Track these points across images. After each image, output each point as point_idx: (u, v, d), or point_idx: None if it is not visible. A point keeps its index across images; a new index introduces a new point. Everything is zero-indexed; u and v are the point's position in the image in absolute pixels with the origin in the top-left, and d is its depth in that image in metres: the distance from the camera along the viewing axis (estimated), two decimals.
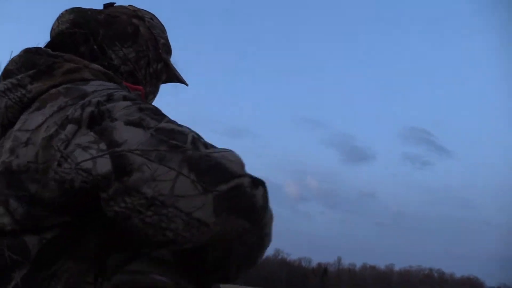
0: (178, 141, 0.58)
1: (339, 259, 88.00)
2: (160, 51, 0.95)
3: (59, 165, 0.60)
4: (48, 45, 0.84)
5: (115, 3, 0.97)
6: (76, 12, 0.87)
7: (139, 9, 0.98)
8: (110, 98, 0.65)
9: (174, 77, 1.04)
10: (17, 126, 0.68)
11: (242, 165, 0.61)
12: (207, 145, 0.62)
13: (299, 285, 73.41)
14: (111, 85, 0.71)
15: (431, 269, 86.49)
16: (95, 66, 0.75)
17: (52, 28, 0.89)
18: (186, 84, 1.08)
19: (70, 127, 0.61)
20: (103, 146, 0.58)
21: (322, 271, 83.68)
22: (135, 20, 0.93)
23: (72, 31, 0.84)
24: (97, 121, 0.61)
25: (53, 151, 0.61)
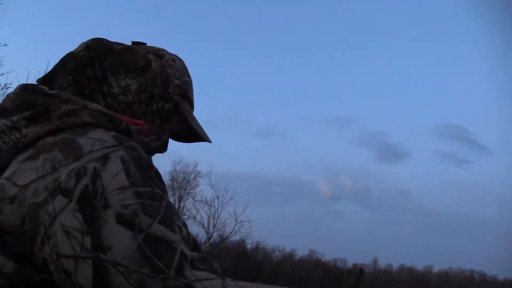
0: (163, 263, 0.56)
1: (375, 260, 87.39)
2: (170, 90, 0.90)
3: (42, 243, 0.59)
4: (55, 66, 0.84)
5: (145, 43, 0.95)
6: (93, 39, 0.87)
7: (164, 50, 0.94)
8: (106, 161, 0.61)
9: (188, 126, 0.94)
10: (6, 173, 0.65)
11: None
12: (195, 264, 0.60)
13: (334, 286, 73.77)
14: (109, 139, 0.65)
15: (472, 271, 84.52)
16: (94, 106, 0.71)
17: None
18: (207, 140, 0.99)
19: (59, 200, 0.59)
20: (87, 243, 0.56)
21: (357, 272, 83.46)
22: (151, 56, 0.90)
23: (82, 54, 0.83)
24: (89, 199, 0.58)
25: (38, 223, 0.59)
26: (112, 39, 0.92)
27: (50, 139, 0.66)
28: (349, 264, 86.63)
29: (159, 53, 0.92)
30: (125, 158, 0.63)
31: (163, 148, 0.95)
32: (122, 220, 0.57)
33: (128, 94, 0.85)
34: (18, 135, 0.68)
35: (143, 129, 0.82)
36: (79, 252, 0.57)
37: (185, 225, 0.64)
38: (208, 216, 18.85)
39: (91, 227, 0.57)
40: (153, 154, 0.92)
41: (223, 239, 18.96)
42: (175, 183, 42.84)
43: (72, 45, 0.88)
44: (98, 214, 0.58)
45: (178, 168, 43.21)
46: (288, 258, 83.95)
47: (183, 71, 0.96)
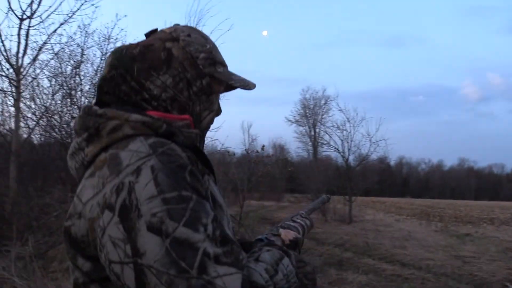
0: (186, 263, 0.64)
1: None
2: (201, 66, 0.94)
3: (100, 251, 0.73)
4: (97, 91, 0.92)
5: (156, 29, 0.99)
6: (113, 54, 0.92)
7: (176, 29, 0.97)
8: (139, 174, 0.71)
9: (230, 85, 1.01)
10: (77, 190, 0.82)
11: None
12: (219, 259, 0.66)
13: (491, 193, 69.20)
14: (144, 150, 0.74)
15: None
16: (135, 117, 0.81)
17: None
18: (251, 88, 1.03)
19: (106, 214, 0.71)
20: (128, 250, 0.67)
21: None
22: (168, 44, 0.93)
23: (111, 74, 0.89)
24: (127, 211, 0.69)
25: (95, 235, 0.73)
26: None
27: (102, 156, 0.79)
28: (508, 169, 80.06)
29: (174, 37, 0.94)
30: (155, 167, 0.72)
31: (218, 113, 1.04)
32: (151, 228, 0.66)
33: (167, 89, 0.90)
34: (83, 155, 0.84)
35: (189, 121, 0.92)
36: (123, 259, 0.68)
37: (214, 219, 0.71)
38: (342, 140, 19.39)
39: (130, 236, 0.67)
40: (211, 125, 1.03)
41: (360, 161, 19.44)
42: (307, 111, 44.00)
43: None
44: (133, 225, 0.68)
45: (307, 95, 44.06)
46: (436, 170, 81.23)
47: (202, 41, 0.98)
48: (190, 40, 0.95)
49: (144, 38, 0.99)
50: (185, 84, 0.92)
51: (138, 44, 0.93)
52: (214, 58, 0.98)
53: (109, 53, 0.96)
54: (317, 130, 41.26)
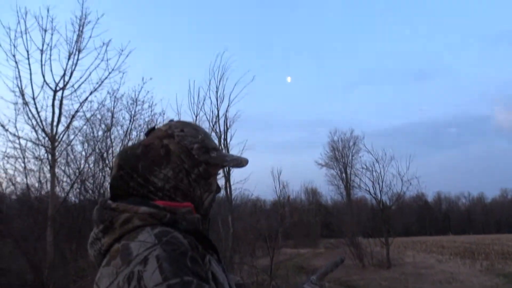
0: None
1: None
2: (196, 156, 1.06)
3: None
4: (110, 188, 1.05)
5: (154, 127, 1.13)
6: (119, 155, 1.06)
7: (170, 125, 1.10)
8: (146, 263, 0.81)
9: (226, 166, 1.15)
10: (96, 277, 0.90)
11: None
12: None
13: None
14: (150, 240, 0.86)
15: None
16: (143, 210, 0.93)
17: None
18: (243, 165, 1.15)
19: None
20: None
21: None
22: (165, 141, 1.05)
23: (119, 174, 1.02)
24: None
25: None
26: None
27: (116, 247, 0.89)
28: None
29: (169, 134, 1.07)
30: (160, 256, 0.82)
31: (218, 191, 1.17)
32: None
33: (170, 180, 1.02)
34: (100, 244, 0.94)
35: (191, 208, 1.02)
36: None
37: None
38: (372, 182, 19.07)
39: None
40: (213, 203, 1.15)
41: (394, 200, 19.01)
42: (336, 153, 43.74)
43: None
44: None
45: (335, 137, 43.96)
46: (478, 203, 77.91)
47: (194, 133, 1.10)
48: (183, 135, 1.07)
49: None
50: (184, 173, 1.04)
51: (140, 144, 1.06)
52: (206, 146, 1.09)
53: (116, 155, 1.10)
54: (348, 172, 40.78)
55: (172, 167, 1.03)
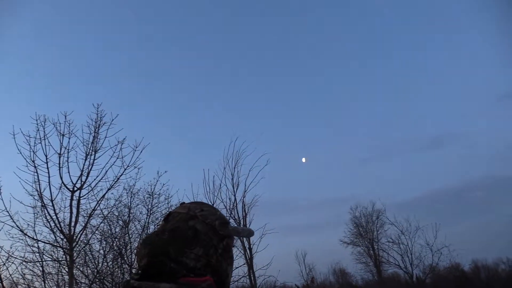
0: None
1: None
2: (220, 231, 1.13)
3: None
4: (142, 273, 1.06)
5: (171, 212, 1.19)
6: (146, 245, 1.07)
7: (189, 207, 1.17)
8: None
9: (240, 236, 1.25)
10: None
11: None
12: None
13: None
14: None
15: None
16: (163, 286, 0.97)
17: (136, 259, 1.13)
18: (252, 235, 1.30)
19: None
20: None
21: None
22: (191, 222, 1.11)
23: (152, 262, 1.04)
24: None
25: None
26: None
27: None
28: None
29: (192, 215, 1.13)
30: None
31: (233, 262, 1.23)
32: None
33: (201, 259, 1.07)
34: None
35: (211, 282, 1.05)
36: None
37: None
38: (401, 255, 18.24)
39: None
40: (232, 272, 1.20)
41: (426, 273, 18.02)
42: (360, 229, 42.33)
43: None
44: None
45: (357, 213, 42.82)
46: None
47: (213, 210, 1.19)
48: (205, 214, 1.15)
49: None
50: (214, 250, 1.10)
51: (164, 230, 1.11)
52: (225, 220, 1.18)
53: (140, 245, 1.11)
54: (375, 248, 39.23)
55: (202, 245, 1.08)
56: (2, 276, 8.30)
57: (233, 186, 12.48)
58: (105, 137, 9.65)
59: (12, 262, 8.78)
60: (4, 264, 8.41)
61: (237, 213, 12.45)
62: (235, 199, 12.41)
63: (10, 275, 8.75)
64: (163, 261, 1.04)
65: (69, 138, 9.23)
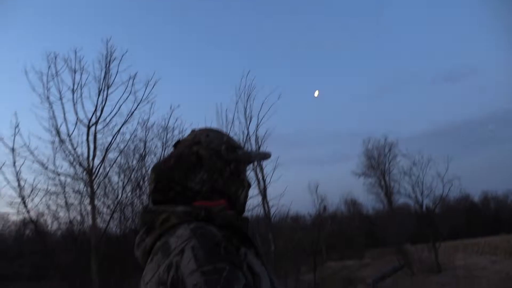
0: None
1: None
2: (225, 156, 1.16)
3: None
4: (150, 199, 1.13)
5: (179, 140, 1.23)
6: (154, 170, 1.14)
7: (195, 134, 1.21)
8: (182, 254, 0.88)
9: (252, 161, 1.20)
10: (143, 274, 0.99)
11: None
12: None
13: None
14: (186, 234, 0.94)
15: None
16: (179, 209, 1.03)
17: (148, 184, 1.21)
18: (267, 157, 1.26)
19: None
20: None
21: None
22: (195, 148, 1.15)
23: (158, 186, 1.11)
24: (175, 285, 0.85)
25: None
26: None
27: (157, 244, 0.98)
28: None
29: (196, 141, 1.18)
30: (195, 247, 0.89)
31: (249, 186, 1.25)
32: None
33: (205, 183, 1.11)
34: (144, 244, 1.04)
35: (225, 205, 1.11)
36: None
37: (246, 285, 0.87)
38: (412, 185, 18.51)
39: None
40: (247, 199, 1.24)
41: (436, 203, 18.36)
42: (372, 161, 42.73)
43: None
44: None
45: (369, 146, 42.94)
46: None
47: (219, 135, 1.21)
48: (209, 139, 1.18)
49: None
50: (218, 173, 1.14)
51: (171, 156, 1.16)
52: (233, 146, 1.20)
53: (151, 170, 1.17)
54: (386, 179, 39.79)
55: (206, 169, 1.12)
56: (28, 207, 8.71)
57: (246, 120, 12.59)
58: (117, 72, 9.69)
59: (36, 195, 9.18)
60: (29, 196, 8.79)
61: (250, 146, 12.62)
62: (248, 133, 12.56)
63: (36, 205, 9.20)
64: (168, 185, 1.10)
65: (81, 74, 9.32)
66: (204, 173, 1.12)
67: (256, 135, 12.69)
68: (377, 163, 42.47)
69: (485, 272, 13.80)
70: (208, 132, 1.21)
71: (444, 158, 17.78)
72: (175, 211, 1.03)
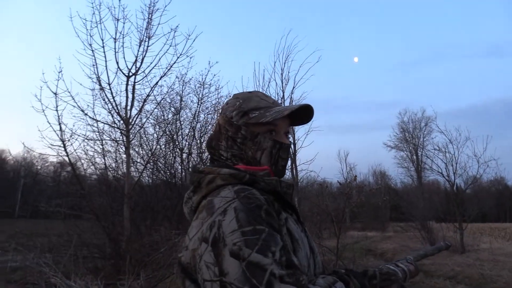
0: (258, 281, 0.80)
1: None
2: (235, 122, 1.19)
3: (198, 273, 0.92)
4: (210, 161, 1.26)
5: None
6: (207, 143, 1.26)
7: (227, 101, 1.28)
8: (225, 214, 0.92)
9: (266, 122, 1.17)
10: (189, 229, 1.03)
11: None
12: (284, 279, 0.81)
13: None
14: (230, 195, 0.98)
15: None
16: (225, 171, 1.08)
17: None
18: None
19: (203, 246, 0.91)
20: (217, 271, 0.85)
21: None
22: (217, 118, 1.27)
23: (209, 154, 1.26)
24: (216, 242, 0.89)
25: (195, 261, 0.93)
26: None
27: (203, 203, 1.04)
28: None
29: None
30: (237, 208, 0.93)
31: (283, 146, 1.21)
32: (233, 254, 0.85)
33: (228, 150, 1.19)
34: (191, 202, 1.12)
35: (269, 170, 1.15)
36: (213, 277, 0.86)
37: (283, 248, 0.88)
38: (446, 164, 18.08)
39: (218, 260, 0.87)
40: (286, 159, 1.22)
41: (469, 184, 17.94)
42: (406, 135, 41.72)
43: None
44: (220, 252, 0.87)
45: (405, 118, 41.89)
46: None
47: (234, 102, 1.23)
48: (226, 107, 1.24)
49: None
50: (232, 141, 1.19)
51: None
52: (243, 110, 1.20)
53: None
54: (419, 154, 39.00)
55: (224, 138, 1.20)
56: (67, 150, 9.08)
57: (282, 82, 12.43)
58: (158, 23, 9.69)
59: (76, 139, 9.53)
60: (69, 140, 9.15)
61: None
62: (283, 95, 12.47)
63: (75, 150, 9.58)
64: (213, 153, 1.22)
65: (124, 23, 9.33)
66: (224, 141, 1.20)
67: (291, 98, 12.59)
68: (411, 137, 41.72)
69: (510, 258, 13.60)
70: (229, 100, 1.27)
71: (483, 137, 17.04)
72: (220, 173, 1.08)
